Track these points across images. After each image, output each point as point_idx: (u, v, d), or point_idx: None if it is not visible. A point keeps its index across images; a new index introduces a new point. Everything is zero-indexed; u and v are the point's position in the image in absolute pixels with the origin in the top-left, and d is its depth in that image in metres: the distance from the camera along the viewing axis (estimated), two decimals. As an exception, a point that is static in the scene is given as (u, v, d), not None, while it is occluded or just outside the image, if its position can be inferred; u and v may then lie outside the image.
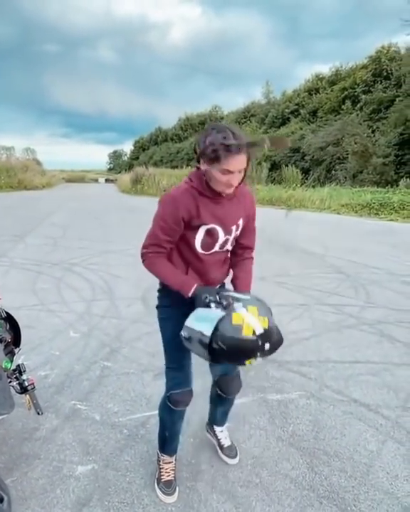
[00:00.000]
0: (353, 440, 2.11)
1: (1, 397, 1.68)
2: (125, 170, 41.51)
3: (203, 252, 1.56)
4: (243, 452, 2.02)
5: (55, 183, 34.35)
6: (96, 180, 53.65)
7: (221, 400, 1.96)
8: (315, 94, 25.98)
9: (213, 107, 42.99)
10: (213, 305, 1.39)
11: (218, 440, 2.02)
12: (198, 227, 1.50)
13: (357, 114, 21.25)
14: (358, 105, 21.90)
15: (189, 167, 27.41)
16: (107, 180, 51.08)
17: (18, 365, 1.94)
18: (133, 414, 2.32)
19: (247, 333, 1.28)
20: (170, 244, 1.55)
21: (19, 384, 1.90)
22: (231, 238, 1.60)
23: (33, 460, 1.94)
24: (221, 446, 2.00)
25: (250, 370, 2.82)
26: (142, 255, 1.60)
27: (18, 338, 2.24)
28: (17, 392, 1.90)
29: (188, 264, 1.60)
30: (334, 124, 21.43)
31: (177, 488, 1.77)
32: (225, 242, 1.59)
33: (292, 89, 28.71)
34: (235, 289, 1.69)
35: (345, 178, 19.19)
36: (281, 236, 8.76)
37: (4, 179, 24.14)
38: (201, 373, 2.77)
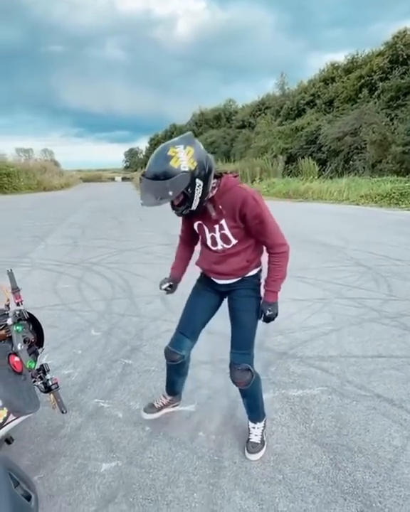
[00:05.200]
0: (377, 436, 2.09)
1: (27, 396, 1.72)
2: (141, 168, 41.73)
3: (204, 246, 1.89)
4: (265, 449, 2.01)
5: (73, 183, 34.78)
6: (113, 179, 54.08)
7: (239, 391, 2.01)
8: (331, 83, 25.48)
9: (227, 101, 42.63)
10: None
11: (248, 434, 2.06)
12: (193, 222, 1.83)
13: (375, 103, 20.75)
14: (375, 93, 21.37)
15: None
16: (123, 179, 51.43)
17: (42, 365, 1.98)
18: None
19: None
20: (183, 233, 2.04)
21: (43, 383, 1.94)
22: (217, 237, 1.77)
23: (59, 457, 1.99)
24: (247, 440, 2.03)
25: (271, 366, 2.82)
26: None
27: (41, 339, 2.29)
28: (41, 391, 1.94)
29: (202, 251, 1.95)
30: (351, 113, 20.99)
31: (156, 413, 2.19)
32: (213, 239, 1.79)
33: (308, 80, 28.26)
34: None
35: (364, 168, 18.80)
36: (299, 229, 8.67)
37: (23, 181, 24.58)
38: (222, 371, 2.79)
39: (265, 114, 30.13)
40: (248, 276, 1.88)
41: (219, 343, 3.23)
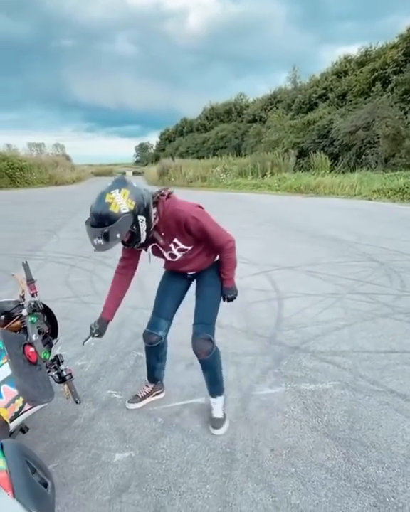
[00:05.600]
0: (390, 431, 2.08)
1: (42, 386, 1.74)
2: (152, 162, 41.69)
3: (164, 259, 2.08)
4: (277, 442, 2.02)
5: (85, 177, 34.95)
6: (124, 174, 54.20)
7: (200, 364, 2.12)
8: (344, 76, 25.09)
9: (238, 95, 42.20)
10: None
11: (210, 410, 2.19)
12: (146, 247, 1.98)
13: (388, 96, 20.40)
14: (389, 86, 21.00)
15: (215, 157, 27.23)
16: (134, 173, 51.51)
17: (56, 356, 2.00)
18: (167, 403, 2.36)
19: None
20: (125, 261, 2.18)
21: (58, 374, 1.96)
22: (175, 251, 1.94)
23: (73, 447, 2.01)
24: (210, 417, 2.17)
25: (283, 360, 2.81)
26: None
27: (55, 330, 2.31)
28: (56, 381, 1.96)
29: (165, 260, 2.12)
30: (364, 107, 20.67)
31: (140, 403, 2.31)
32: (172, 255, 1.97)
33: (320, 73, 27.87)
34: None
35: (376, 162, 18.53)
36: (310, 224, 8.61)
37: (36, 175, 24.75)
38: (233, 364, 2.79)
39: (277, 108, 29.81)
40: (213, 263, 2.10)
41: (229, 336, 3.24)
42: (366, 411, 2.24)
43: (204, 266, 2.07)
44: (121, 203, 1.60)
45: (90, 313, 3.72)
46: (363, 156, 19.62)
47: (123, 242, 1.82)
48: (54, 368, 1.97)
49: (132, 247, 1.85)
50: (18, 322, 2.06)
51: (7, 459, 1.15)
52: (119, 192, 1.62)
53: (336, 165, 20.01)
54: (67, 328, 3.27)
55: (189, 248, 1.95)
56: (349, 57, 26.10)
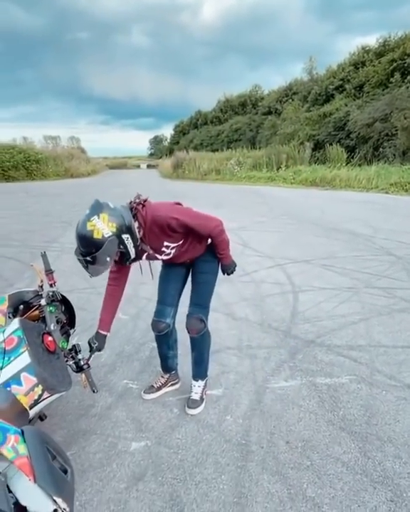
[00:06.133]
0: (407, 426, 2.05)
1: (60, 375, 1.77)
2: (166, 155, 41.54)
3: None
4: (292, 435, 2.01)
5: (99, 170, 35.06)
6: (138, 166, 54.23)
7: (190, 341, 2.25)
8: (361, 67, 24.56)
9: (253, 87, 41.69)
10: None
11: (190, 392, 2.29)
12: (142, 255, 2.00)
13: (407, 87, 19.94)
14: (408, 77, 20.53)
15: (230, 150, 27.03)
16: (148, 166, 51.53)
17: (74, 345, 2.02)
18: (182, 394, 2.37)
19: None
20: (114, 272, 2.14)
21: (75, 363, 1.98)
22: (168, 251, 2.00)
23: (90, 435, 2.04)
24: (188, 398, 2.27)
25: (298, 354, 2.80)
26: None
27: (73, 320, 2.33)
28: (73, 370, 1.99)
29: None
30: (382, 98, 20.22)
31: (156, 393, 2.35)
32: (166, 255, 2.04)
33: (337, 64, 27.33)
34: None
35: (394, 155, 18.17)
36: (326, 218, 8.51)
37: (52, 168, 24.93)
38: (248, 356, 2.79)
39: (292, 100, 29.41)
40: (208, 247, 2.14)
41: (244, 329, 3.23)
42: (382, 406, 2.22)
43: (200, 252, 2.13)
44: (102, 228, 1.66)
45: (106, 305, 3.76)
46: (380, 149, 19.26)
47: (115, 262, 1.91)
48: (72, 357, 1.99)
49: (125, 264, 1.94)
50: (36, 312, 2.09)
51: (28, 445, 1.17)
52: (99, 218, 1.66)
53: (352, 158, 19.69)
54: (84, 318, 3.30)
55: (180, 243, 2.00)
56: (367, 48, 25.53)
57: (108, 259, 1.73)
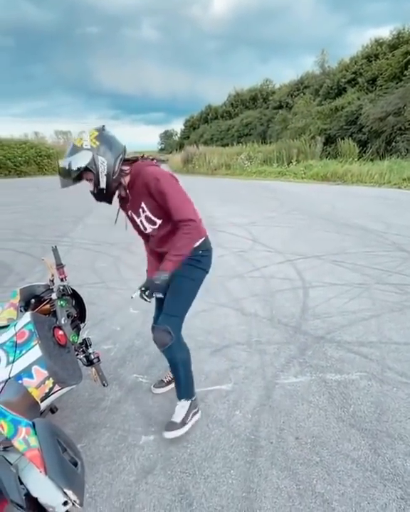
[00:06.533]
0: (419, 424, 2.03)
1: (71, 368, 1.78)
2: (176, 150, 41.48)
3: (141, 234, 2.11)
4: (302, 430, 2.01)
5: (109, 164, 35.13)
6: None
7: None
8: (374, 60, 24.17)
9: (264, 81, 41.32)
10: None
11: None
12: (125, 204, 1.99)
13: (422, 80, 19.63)
14: (423, 70, 20.19)
15: (240, 144, 26.88)
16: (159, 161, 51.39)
17: (84, 339, 2.04)
18: (192, 389, 2.38)
19: None
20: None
21: (86, 357, 1.99)
22: (144, 220, 1.91)
23: (100, 428, 2.06)
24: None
25: (308, 350, 2.79)
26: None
27: (83, 314, 2.35)
28: (84, 364, 2.00)
29: (144, 239, 2.18)
30: (396, 91, 19.90)
31: (165, 387, 2.34)
32: (142, 223, 1.94)
33: (349, 57, 26.93)
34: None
35: (407, 149, 17.91)
36: (337, 213, 8.43)
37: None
38: (257, 352, 2.78)
39: (304, 94, 29.10)
40: (195, 247, 1.93)
41: (254, 324, 3.23)
42: (393, 403, 2.20)
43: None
44: (85, 140, 1.72)
45: (116, 299, 3.79)
46: (393, 143, 18.98)
47: (91, 193, 1.90)
48: (82, 351, 2.01)
49: (95, 195, 1.90)
50: (47, 306, 2.11)
51: (39, 438, 1.18)
52: (89, 133, 1.74)
53: (364, 152, 19.46)
54: (94, 312, 3.33)
55: (158, 221, 1.87)
56: (381, 40, 25.09)
57: (75, 168, 1.74)
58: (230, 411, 2.17)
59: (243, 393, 2.33)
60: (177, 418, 1.99)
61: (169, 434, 1.94)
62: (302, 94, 29.63)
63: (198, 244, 1.94)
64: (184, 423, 1.98)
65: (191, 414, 2.02)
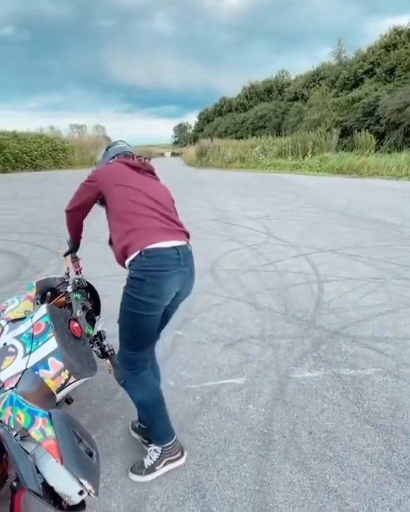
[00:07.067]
0: (435, 421, 2.01)
1: (86, 360, 1.80)
2: (190, 143, 41.40)
3: None
4: (315, 425, 2.00)
5: (124, 158, 35.22)
6: (162, 155, 54.20)
7: None
8: (393, 50, 23.62)
9: (279, 72, 40.77)
10: None
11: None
12: None
13: (442, 70, 19.14)
14: (444, 59, 19.68)
15: (254, 137, 26.66)
16: (172, 154, 51.45)
17: (99, 332, 2.06)
18: (205, 382, 2.39)
19: None
20: None
21: (100, 349, 2.02)
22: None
23: (115, 419, 2.08)
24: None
25: (322, 344, 2.77)
26: None
27: (98, 307, 2.37)
28: (99, 356, 2.03)
29: None
30: (415, 82, 19.51)
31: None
32: None
33: (367, 47, 26.34)
34: None
35: (426, 141, 17.58)
36: (353, 206, 8.32)
37: (78, 157, 25.25)
38: (271, 346, 2.77)
39: (320, 85, 28.65)
40: (128, 265, 1.64)
41: (267, 318, 3.21)
42: (409, 399, 2.18)
43: (120, 259, 1.73)
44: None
45: (130, 292, 3.80)
46: (411, 135, 18.59)
47: None
48: (97, 343, 2.03)
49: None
50: (63, 298, 2.13)
51: (55, 428, 1.20)
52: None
53: (381, 144, 19.11)
54: (109, 305, 3.34)
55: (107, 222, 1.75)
56: (400, 29, 24.47)
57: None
58: (244, 404, 2.17)
59: (257, 387, 2.33)
60: (148, 462, 1.70)
61: (132, 476, 1.69)
62: (318, 85, 29.19)
63: (131, 257, 1.59)
64: (152, 470, 1.68)
65: (164, 462, 1.69)
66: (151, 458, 1.71)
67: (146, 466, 1.69)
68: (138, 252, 1.55)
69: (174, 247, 1.59)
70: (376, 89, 22.24)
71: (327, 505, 1.55)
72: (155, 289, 1.55)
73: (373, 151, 17.86)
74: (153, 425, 1.72)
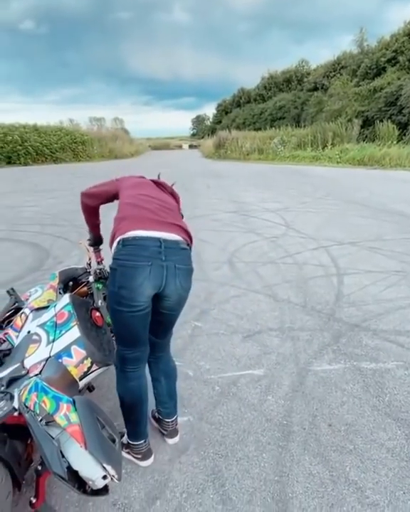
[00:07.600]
0: None
1: (107, 349, 1.83)
2: (208, 135, 41.15)
3: None
4: (335, 418, 1.99)
5: (142, 151, 35.34)
6: (180, 147, 54.11)
7: None
8: (417, 36, 22.92)
9: (299, 62, 39.98)
10: None
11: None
12: None
13: None
14: None
15: (273, 128, 26.34)
16: (190, 146, 51.29)
17: (120, 322, 2.08)
18: (224, 372, 2.39)
19: None
20: None
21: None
22: None
23: (135, 408, 2.11)
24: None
25: (342, 337, 2.74)
26: None
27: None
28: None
29: None
30: (440, 70, 18.90)
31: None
32: None
33: (390, 34, 25.56)
34: None
35: None
36: (375, 198, 8.16)
37: (97, 149, 25.42)
38: (290, 338, 2.76)
39: (341, 75, 28.03)
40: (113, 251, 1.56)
41: (286, 310, 3.20)
42: (431, 394, 2.14)
43: (110, 244, 1.64)
44: None
45: (149, 283, 3.82)
46: (436, 125, 18.08)
47: None
48: (118, 332, 2.05)
49: None
50: (85, 288, 2.17)
51: (79, 414, 1.22)
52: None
53: (404, 135, 18.64)
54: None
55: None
56: (426, 14, 23.61)
57: None
58: (263, 396, 2.17)
59: (276, 379, 2.32)
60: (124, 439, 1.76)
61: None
62: (338, 75, 28.59)
63: (113, 246, 1.57)
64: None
65: (127, 451, 1.75)
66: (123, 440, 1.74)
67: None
68: (117, 240, 1.52)
69: (157, 239, 1.48)
70: (399, 78, 21.63)
71: (346, 498, 1.55)
72: (124, 280, 1.43)
73: (395, 142, 17.43)
74: (126, 421, 1.73)
